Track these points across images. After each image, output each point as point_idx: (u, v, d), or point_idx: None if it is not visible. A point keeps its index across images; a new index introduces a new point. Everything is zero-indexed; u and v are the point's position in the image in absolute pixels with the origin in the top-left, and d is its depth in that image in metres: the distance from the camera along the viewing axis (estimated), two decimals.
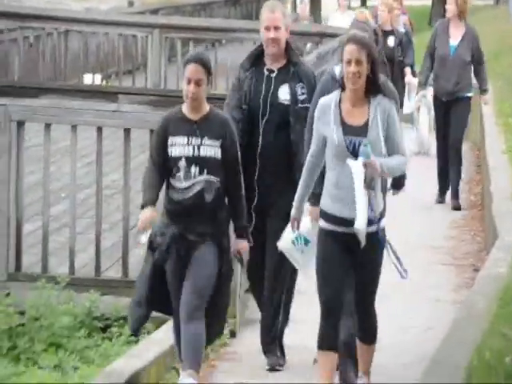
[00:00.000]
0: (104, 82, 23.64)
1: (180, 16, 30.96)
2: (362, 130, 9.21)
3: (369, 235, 9.33)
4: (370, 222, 9.25)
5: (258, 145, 10.64)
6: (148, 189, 9.46)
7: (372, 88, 9.26)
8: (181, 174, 9.01)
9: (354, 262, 9.53)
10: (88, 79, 23.35)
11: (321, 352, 9.68)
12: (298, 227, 9.85)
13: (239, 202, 9.47)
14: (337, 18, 24.39)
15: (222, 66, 25.75)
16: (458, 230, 17.33)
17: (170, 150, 9.12)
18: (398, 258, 9.78)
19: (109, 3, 44.18)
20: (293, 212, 9.72)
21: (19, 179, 14.47)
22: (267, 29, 10.31)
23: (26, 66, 23.47)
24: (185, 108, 9.35)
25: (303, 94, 10.43)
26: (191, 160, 9.02)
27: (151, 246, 9.30)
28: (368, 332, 10.01)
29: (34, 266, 14.76)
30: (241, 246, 9.47)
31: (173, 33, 24.26)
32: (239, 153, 9.65)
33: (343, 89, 9.26)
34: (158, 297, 9.42)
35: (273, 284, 11.13)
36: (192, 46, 25.95)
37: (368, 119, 9.25)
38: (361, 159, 8.96)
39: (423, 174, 18.46)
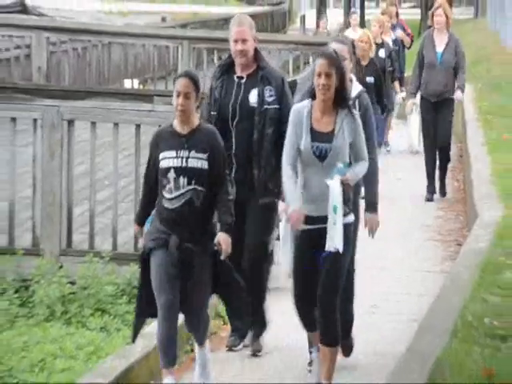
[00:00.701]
0: (141, 86, 23.68)
1: (205, 29, 31.07)
2: (329, 137, 8.80)
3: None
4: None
5: (232, 146, 10.19)
6: (140, 206, 9.29)
7: (340, 99, 8.85)
8: (171, 184, 8.53)
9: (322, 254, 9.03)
10: (127, 84, 23.40)
11: (309, 333, 9.55)
12: (300, 221, 9.05)
13: (226, 203, 8.87)
14: (350, 34, 22.91)
15: None
16: (444, 211, 17.21)
17: (161, 163, 8.66)
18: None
19: (145, 19, 44.16)
20: (292, 205, 9.06)
21: (70, 169, 14.59)
22: (235, 41, 9.90)
23: (75, 73, 23.58)
24: (175, 123, 8.78)
25: (271, 96, 10.02)
26: (179, 171, 8.54)
27: (143, 260, 8.96)
28: (327, 330, 9.16)
29: (83, 243, 14.91)
30: (223, 238, 8.81)
31: (199, 43, 24.37)
32: (226, 163, 9.12)
33: (314, 98, 8.85)
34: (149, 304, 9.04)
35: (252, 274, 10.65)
36: (216, 54, 25.76)
37: (335, 128, 8.84)
38: (337, 177, 8.60)
39: (413, 168, 18.61)
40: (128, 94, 15.88)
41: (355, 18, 27.99)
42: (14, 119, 14.32)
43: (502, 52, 35.86)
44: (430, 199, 17.42)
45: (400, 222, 16.77)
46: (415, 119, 18.80)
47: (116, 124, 14.74)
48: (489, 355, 9.50)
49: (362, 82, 16.37)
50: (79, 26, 27.90)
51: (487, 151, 19.42)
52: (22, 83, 19.20)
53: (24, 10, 30.14)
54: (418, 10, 53.05)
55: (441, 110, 16.07)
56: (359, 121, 9.00)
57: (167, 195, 8.59)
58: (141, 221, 9.07)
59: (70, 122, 14.41)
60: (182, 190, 8.53)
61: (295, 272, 9.21)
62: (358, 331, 11.96)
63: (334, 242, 8.67)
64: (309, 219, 8.82)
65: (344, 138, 8.74)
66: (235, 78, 9.98)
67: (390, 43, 20.57)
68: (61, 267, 14.39)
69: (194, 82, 8.64)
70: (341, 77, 8.72)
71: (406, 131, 21.14)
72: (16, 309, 12.93)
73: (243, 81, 9.96)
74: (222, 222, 8.83)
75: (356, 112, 9.11)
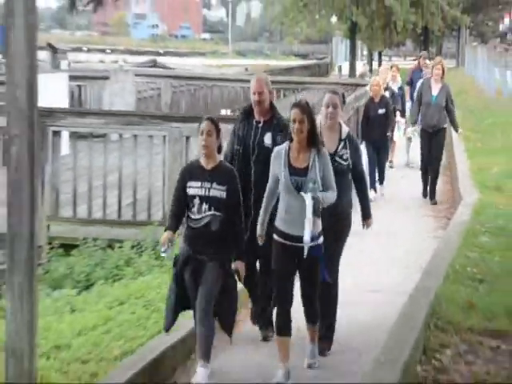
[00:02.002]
0: (231, 113, 24.03)
1: (273, 75, 31.41)
2: (304, 172, 8.02)
3: (311, 248, 8.14)
4: (312, 239, 8.06)
5: (251, 175, 9.31)
6: (170, 218, 8.30)
7: (312, 140, 8.02)
8: (195, 208, 7.91)
9: (298, 266, 8.27)
10: (223, 111, 23.63)
11: (279, 338, 8.34)
12: (262, 241, 8.48)
13: (239, 232, 8.07)
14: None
15: None
16: (437, 197, 16.99)
17: (188, 190, 7.95)
18: (325, 265, 8.42)
19: (234, 70, 45.14)
20: (258, 230, 8.44)
21: None
22: (254, 93, 9.11)
23: (189, 105, 23.91)
24: (201, 159, 8.02)
25: (282, 141, 8.78)
26: (203, 199, 7.88)
27: (175, 264, 8.27)
28: (312, 315, 8.50)
29: None
30: (238, 266, 8.08)
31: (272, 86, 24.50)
32: (241, 197, 8.25)
33: (291, 140, 8.08)
34: (183, 300, 8.20)
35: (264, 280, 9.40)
36: (282, 92, 25.69)
37: (309, 164, 8.05)
38: (310, 194, 7.87)
39: (413, 177, 18.03)
40: (223, 119, 16.05)
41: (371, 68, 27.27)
42: (151, 136, 14.61)
43: (475, 89, 35.99)
44: (425, 196, 17.04)
45: (404, 203, 16.91)
46: (416, 144, 18.29)
47: None
48: (470, 292, 9.75)
49: (375, 112, 16.63)
50: (192, 74, 28.60)
51: (467, 156, 19.87)
52: (156, 112, 19.87)
53: (155, 65, 31.17)
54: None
55: (435, 138, 15.93)
56: (328, 157, 8.25)
57: (192, 216, 7.98)
58: (172, 229, 8.16)
59: (188, 138, 14.48)
60: (204, 214, 7.90)
61: (276, 278, 8.36)
62: (379, 269, 12.35)
63: (305, 237, 7.96)
64: (288, 236, 8.15)
65: (316, 172, 8.02)
66: (254, 122, 9.20)
67: (396, 88, 19.64)
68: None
69: (215, 124, 7.93)
70: (311, 121, 7.94)
71: (405, 151, 20.89)
72: (152, 261, 12.95)
73: (260, 125, 9.18)
74: (237, 251, 8.08)
75: (325, 150, 8.25)
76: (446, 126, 16.02)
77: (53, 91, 15.54)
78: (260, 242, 8.42)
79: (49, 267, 13.46)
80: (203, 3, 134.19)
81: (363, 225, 9.46)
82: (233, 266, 7.97)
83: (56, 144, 14.13)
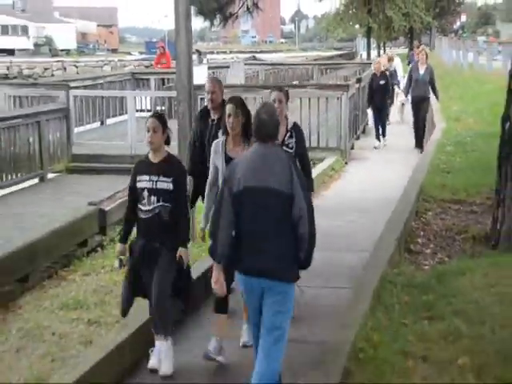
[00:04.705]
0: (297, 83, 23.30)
1: (323, 60, 30.09)
2: None
3: None
4: None
5: (207, 166, 5.81)
6: (124, 225, 5.25)
7: (246, 133, 5.00)
8: (145, 200, 5.03)
9: None
10: (294, 82, 22.20)
11: (216, 314, 5.05)
12: (203, 238, 5.39)
13: (184, 220, 5.09)
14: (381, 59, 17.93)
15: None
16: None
17: (138, 184, 5.09)
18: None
19: (298, 59, 43.77)
20: (201, 223, 5.46)
21: None
22: (208, 92, 6.07)
23: (274, 80, 22.77)
24: (149, 154, 5.17)
25: None
26: (151, 191, 5.04)
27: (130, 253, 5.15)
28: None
29: None
30: (181, 253, 4.98)
31: (321, 66, 23.82)
32: (187, 186, 5.32)
33: (228, 133, 5.14)
34: (137, 286, 5.09)
35: None
36: (328, 70, 23.75)
37: None
38: None
39: (406, 131, 15.44)
40: (293, 86, 14.73)
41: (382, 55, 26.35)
42: (254, 98, 12.81)
43: (441, 63, 34.57)
44: (417, 147, 14.24)
45: (398, 149, 14.29)
46: (407, 109, 15.94)
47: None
48: (442, 179, 9.45)
49: (377, 83, 14.56)
50: (275, 62, 28.13)
51: (444, 122, 15.74)
52: (256, 84, 19.10)
53: (254, 58, 30.59)
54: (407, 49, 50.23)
55: (422, 104, 14.07)
56: None
57: (142, 207, 5.06)
58: (124, 241, 5.18)
59: (274, 100, 13.72)
60: (153, 206, 5.04)
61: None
62: (386, 169, 11.66)
63: None
64: None
65: None
66: (210, 120, 6.14)
67: (392, 70, 17.26)
68: None
69: (161, 120, 5.16)
70: (247, 115, 5.09)
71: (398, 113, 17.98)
72: None
73: (215, 122, 6.04)
74: (181, 237, 5.09)
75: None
76: (429, 96, 14.28)
77: (199, 75, 15.51)
78: (200, 237, 5.48)
79: None
80: (280, 21, 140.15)
81: None
82: (177, 253, 5.00)
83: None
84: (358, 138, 15.32)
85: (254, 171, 4.00)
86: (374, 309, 4.83)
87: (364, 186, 10.68)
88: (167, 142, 5.11)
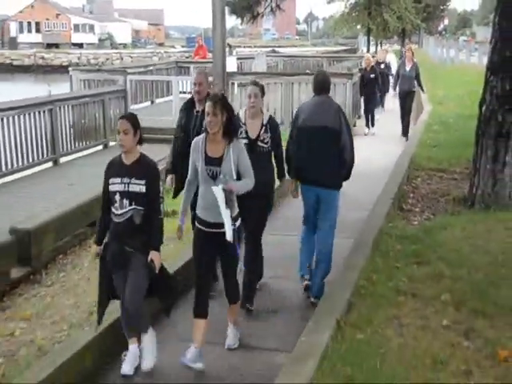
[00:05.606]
0: (309, 72, 22.73)
1: (330, 53, 29.35)
2: (219, 162, 3.92)
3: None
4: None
5: None
6: (99, 226, 4.08)
7: (227, 132, 3.94)
8: (117, 204, 3.89)
9: (217, 250, 4.02)
10: (307, 71, 22.32)
11: (195, 320, 4.01)
12: (181, 233, 4.19)
13: (157, 223, 3.92)
14: (379, 54, 16.96)
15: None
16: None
17: (110, 187, 3.95)
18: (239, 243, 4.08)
19: (310, 52, 42.71)
20: (179, 219, 4.22)
21: None
22: (195, 84, 4.99)
23: (291, 69, 22.20)
24: (122, 155, 3.98)
25: None
26: (123, 194, 3.89)
27: (101, 258, 4.00)
28: (233, 295, 4.20)
29: None
30: (155, 257, 3.85)
31: (329, 59, 23.29)
32: (160, 188, 4.05)
33: (208, 132, 3.98)
34: (111, 290, 3.98)
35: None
36: (333, 62, 22.75)
37: (223, 154, 3.93)
38: (221, 186, 3.82)
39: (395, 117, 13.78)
40: (305, 73, 15.24)
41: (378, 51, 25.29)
42: (275, 83, 13.01)
43: (428, 59, 33.79)
44: (404, 135, 12.87)
45: (394, 135, 13.32)
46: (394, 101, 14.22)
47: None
48: (429, 152, 9.22)
49: (367, 77, 13.35)
50: (291, 54, 27.37)
51: (430, 105, 15.49)
52: (276, 72, 18.67)
53: (274, 51, 29.64)
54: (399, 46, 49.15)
55: (407, 98, 12.83)
56: (241, 145, 4.03)
57: (115, 211, 3.91)
58: (99, 241, 4.03)
59: (292, 84, 12.96)
60: (125, 209, 3.88)
61: (196, 264, 4.05)
62: (382, 144, 11.46)
63: (227, 234, 3.80)
64: (205, 223, 4.01)
65: (231, 161, 3.95)
66: (195, 111, 5.01)
67: (382, 66, 15.33)
68: None
69: (132, 122, 3.96)
70: (227, 114, 3.96)
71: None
72: None
73: (199, 114, 4.88)
74: (154, 240, 3.90)
75: (238, 140, 4.04)
76: (414, 89, 13.12)
77: (230, 65, 15.21)
78: (178, 236, 4.22)
79: None
80: (296, 21, 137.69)
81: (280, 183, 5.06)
82: (149, 257, 3.87)
83: (232, 89, 13.73)
84: (359, 118, 15.07)
85: (314, 114, 4.70)
86: (373, 255, 4.85)
87: (364, 157, 10.34)
88: (140, 143, 3.99)
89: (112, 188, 3.92)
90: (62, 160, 10.08)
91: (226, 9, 8.85)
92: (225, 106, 3.95)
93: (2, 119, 8.65)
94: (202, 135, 4.06)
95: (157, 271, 3.86)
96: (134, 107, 13.74)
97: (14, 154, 8.86)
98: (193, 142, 4.10)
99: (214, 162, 3.93)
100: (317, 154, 4.68)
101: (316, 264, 4.91)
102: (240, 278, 4.37)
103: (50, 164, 9.86)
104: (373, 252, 4.87)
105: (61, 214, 6.32)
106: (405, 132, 12.90)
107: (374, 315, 3.82)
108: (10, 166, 8.71)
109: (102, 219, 4.03)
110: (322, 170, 4.70)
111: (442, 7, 61.16)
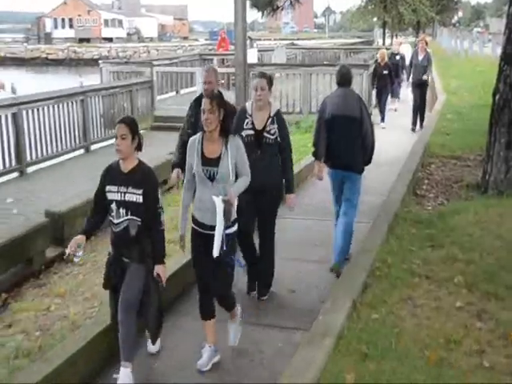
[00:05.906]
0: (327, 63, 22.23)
1: (347, 45, 28.71)
2: (216, 162, 3.55)
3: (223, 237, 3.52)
4: (227, 227, 3.49)
5: None
6: (86, 221, 3.60)
7: (224, 130, 3.57)
8: (114, 213, 3.51)
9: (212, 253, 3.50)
10: (325, 62, 21.78)
11: (204, 322, 3.73)
12: (183, 243, 3.78)
13: (158, 235, 3.52)
14: (394, 47, 16.20)
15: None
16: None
17: (107, 194, 3.54)
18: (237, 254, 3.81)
19: (327, 44, 42.11)
20: (179, 229, 3.81)
21: None
22: (204, 82, 4.74)
23: (309, 60, 22.02)
24: (120, 161, 3.56)
25: None
26: (119, 203, 3.50)
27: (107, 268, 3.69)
28: (226, 307, 3.83)
29: None
30: (159, 270, 3.49)
31: (346, 50, 23.24)
32: (159, 196, 3.54)
33: (204, 130, 3.58)
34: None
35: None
36: (351, 53, 22.85)
37: (221, 154, 3.55)
38: (221, 197, 3.44)
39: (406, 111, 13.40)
40: (323, 64, 13.53)
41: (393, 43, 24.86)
42: (294, 74, 12.95)
43: (441, 50, 33.18)
44: (413, 129, 12.11)
45: (401, 127, 12.55)
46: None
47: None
48: (443, 139, 9.05)
49: (380, 72, 12.74)
50: (309, 47, 27.24)
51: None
52: (295, 63, 18.39)
53: (293, 44, 29.33)
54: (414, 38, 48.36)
55: (421, 87, 12.13)
56: (241, 143, 3.64)
57: (112, 220, 3.55)
58: (85, 233, 3.57)
59: (311, 74, 12.73)
60: (122, 219, 3.50)
61: (195, 266, 3.68)
62: (398, 134, 11.09)
63: (214, 250, 3.44)
64: (200, 224, 3.62)
65: (228, 161, 3.55)
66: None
67: (397, 57, 14.80)
68: None
69: (129, 126, 3.51)
70: (224, 111, 3.58)
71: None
72: None
73: None
74: (157, 253, 3.53)
75: (235, 138, 3.64)
76: (426, 78, 12.26)
77: (251, 56, 15.08)
78: (181, 246, 3.81)
79: None
80: (314, 15, 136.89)
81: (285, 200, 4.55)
82: (154, 271, 3.53)
83: (252, 79, 13.76)
84: (375, 107, 14.67)
85: (338, 105, 4.90)
86: (389, 238, 4.78)
87: (380, 144, 10.19)
88: (138, 149, 3.57)
89: (109, 196, 3.56)
90: (93, 147, 10.30)
91: (248, 3, 8.75)
92: (222, 102, 3.62)
93: (39, 109, 8.89)
94: (198, 134, 3.68)
95: (164, 284, 3.53)
96: (160, 97, 13.88)
97: (49, 142, 9.11)
98: (189, 141, 3.70)
99: (211, 162, 3.59)
100: (343, 141, 4.88)
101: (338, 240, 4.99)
102: (240, 276, 4.42)
103: (81, 151, 10.14)
104: (388, 236, 4.81)
105: (91, 198, 6.36)
106: (414, 122, 12.14)
107: (389, 296, 3.77)
108: (45, 153, 8.99)
109: (88, 218, 3.62)
110: (348, 156, 4.90)
111: (455, 0, 59.89)
